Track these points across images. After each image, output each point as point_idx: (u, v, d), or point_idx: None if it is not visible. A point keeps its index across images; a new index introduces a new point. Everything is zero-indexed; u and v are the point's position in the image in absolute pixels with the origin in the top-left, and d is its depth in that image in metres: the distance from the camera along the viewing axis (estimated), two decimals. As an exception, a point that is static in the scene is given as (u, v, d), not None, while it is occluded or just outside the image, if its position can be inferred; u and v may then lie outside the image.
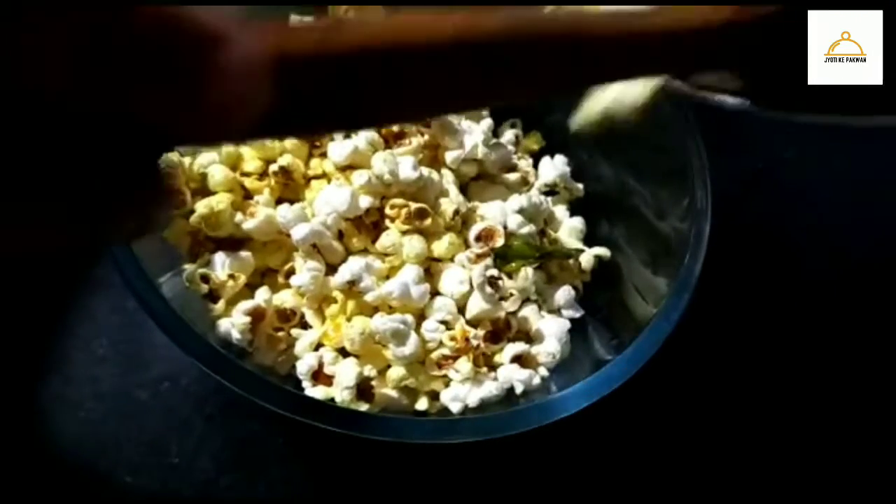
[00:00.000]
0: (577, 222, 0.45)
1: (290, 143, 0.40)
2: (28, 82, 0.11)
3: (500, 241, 0.39)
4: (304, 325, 0.38)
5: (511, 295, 0.39)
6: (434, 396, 0.38)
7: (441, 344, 0.37)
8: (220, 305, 0.37)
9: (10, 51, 0.10)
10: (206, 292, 0.36)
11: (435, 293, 0.38)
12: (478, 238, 0.39)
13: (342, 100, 0.16)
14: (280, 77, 0.13)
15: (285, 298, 0.38)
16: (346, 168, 0.40)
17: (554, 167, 0.45)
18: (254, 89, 0.12)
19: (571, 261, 0.43)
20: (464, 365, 0.37)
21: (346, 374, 0.36)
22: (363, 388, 0.36)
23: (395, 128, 0.40)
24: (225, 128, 0.12)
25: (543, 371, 0.39)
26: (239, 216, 0.37)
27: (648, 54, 0.20)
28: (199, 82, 0.12)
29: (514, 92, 0.20)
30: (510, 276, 0.40)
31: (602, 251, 0.43)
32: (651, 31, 0.20)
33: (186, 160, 0.39)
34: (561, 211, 0.45)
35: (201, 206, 0.37)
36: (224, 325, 0.36)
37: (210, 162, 0.39)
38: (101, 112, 0.11)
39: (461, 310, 0.38)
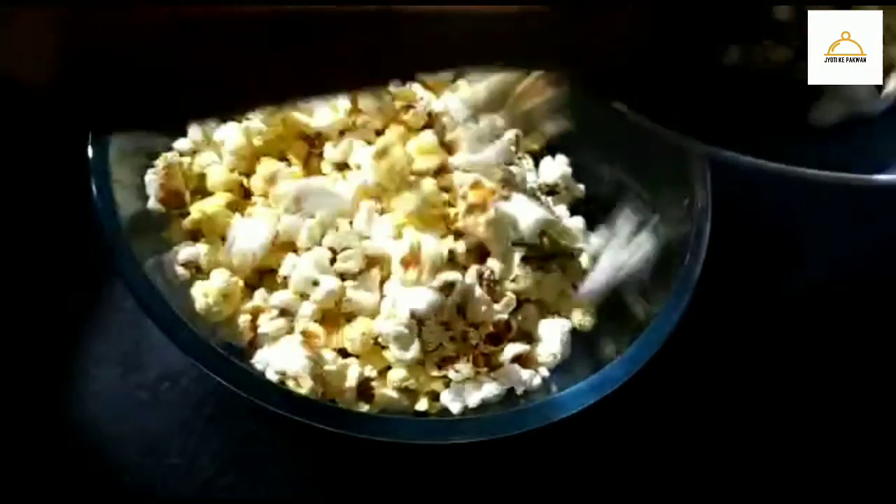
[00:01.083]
0: (578, 222, 0.45)
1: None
2: None
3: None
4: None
5: (505, 296, 0.38)
6: (434, 397, 0.38)
7: (441, 345, 0.37)
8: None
9: None
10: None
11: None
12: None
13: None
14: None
15: (284, 298, 0.37)
16: (343, 167, 0.40)
17: (554, 167, 0.45)
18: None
19: (571, 261, 0.43)
20: (464, 365, 0.37)
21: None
22: (363, 389, 0.36)
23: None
24: None
25: (544, 371, 0.39)
26: (238, 216, 0.37)
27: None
28: None
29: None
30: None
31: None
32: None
33: (186, 160, 0.39)
34: (561, 211, 0.45)
35: (195, 211, 0.37)
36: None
37: (209, 162, 0.39)
38: None
39: (461, 310, 0.38)
